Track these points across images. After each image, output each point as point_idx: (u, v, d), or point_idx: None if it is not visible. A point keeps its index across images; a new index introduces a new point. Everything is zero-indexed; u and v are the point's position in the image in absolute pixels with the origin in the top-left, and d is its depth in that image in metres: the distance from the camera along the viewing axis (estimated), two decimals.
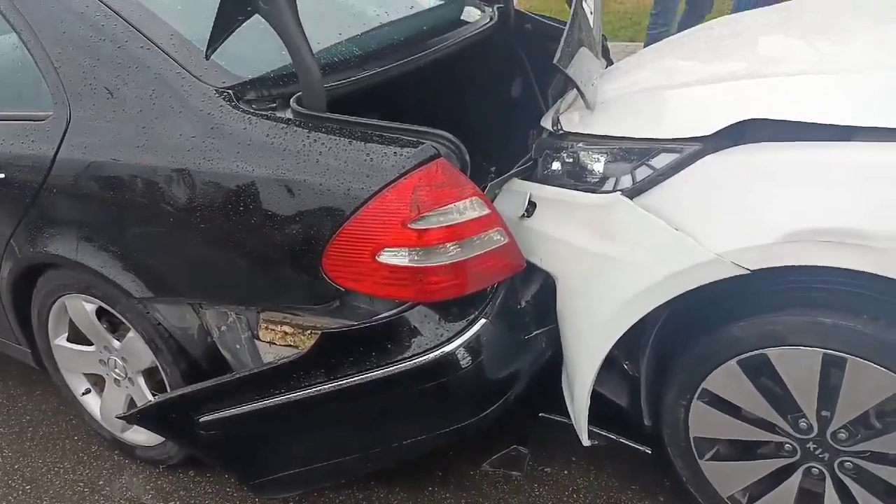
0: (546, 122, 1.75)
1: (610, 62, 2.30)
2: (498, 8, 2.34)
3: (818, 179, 1.23)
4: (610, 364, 1.61)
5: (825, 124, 1.25)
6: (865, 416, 1.31)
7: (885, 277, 1.16)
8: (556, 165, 1.64)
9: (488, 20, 2.24)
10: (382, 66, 1.76)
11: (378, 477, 1.85)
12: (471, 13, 2.30)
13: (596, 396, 1.65)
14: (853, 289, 1.25)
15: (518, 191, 1.67)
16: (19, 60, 1.76)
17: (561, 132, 1.65)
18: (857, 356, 1.25)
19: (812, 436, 1.38)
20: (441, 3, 2.30)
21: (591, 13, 1.80)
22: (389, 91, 1.83)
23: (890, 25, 1.61)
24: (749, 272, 1.26)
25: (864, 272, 1.17)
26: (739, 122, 1.32)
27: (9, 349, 2.17)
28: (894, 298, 1.21)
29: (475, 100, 2.36)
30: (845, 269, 1.19)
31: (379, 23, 2.00)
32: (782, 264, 1.23)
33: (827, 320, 1.26)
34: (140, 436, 1.97)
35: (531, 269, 1.62)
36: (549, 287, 1.62)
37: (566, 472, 1.84)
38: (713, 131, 1.34)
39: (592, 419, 1.65)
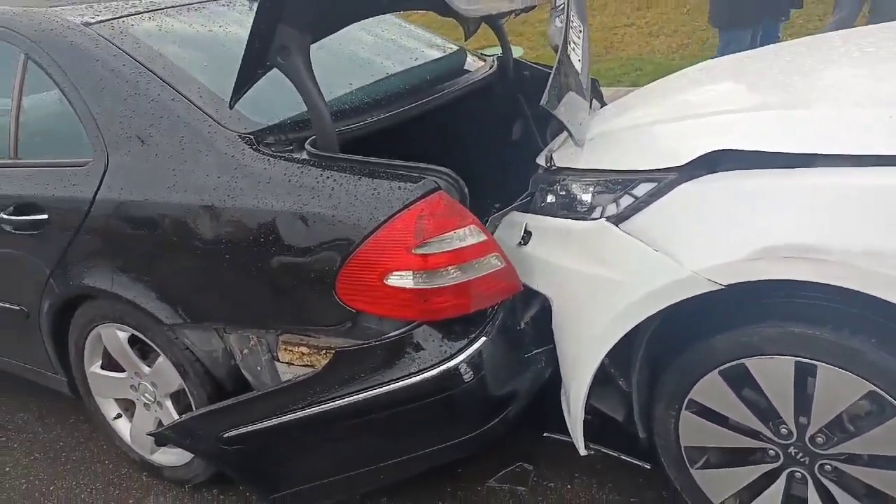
0: (541, 160, 1.91)
1: (603, 104, 2.47)
2: (497, 58, 2.53)
3: (780, 202, 1.35)
4: (606, 381, 1.73)
5: (786, 153, 1.39)
6: (839, 419, 1.41)
7: (842, 288, 1.28)
8: (550, 198, 1.79)
9: (489, 69, 2.43)
10: (389, 111, 1.94)
11: (390, 493, 1.95)
12: (472, 63, 2.49)
13: (600, 416, 1.76)
14: (819, 301, 1.37)
15: (516, 222, 1.82)
16: (62, 113, 1.95)
17: (554, 168, 1.80)
18: (825, 363, 1.36)
19: (793, 441, 1.48)
20: (443, 55, 2.49)
21: (580, 60, 1.97)
22: (397, 135, 2.00)
23: (847, 68, 1.76)
24: (722, 287, 1.38)
25: (824, 284, 1.29)
26: (710, 152, 1.46)
27: (45, 378, 2.32)
28: (855, 308, 1.33)
29: (479, 142, 2.53)
30: (808, 283, 1.31)
31: (386, 73, 2.19)
32: (751, 279, 1.35)
33: (796, 330, 1.38)
34: (167, 457, 2.09)
35: (531, 294, 1.75)
36: (547, 310, 1.74)
37: (569, 486, 1.93)
38: (686, 161, 1.48)
39: (597, 439, 1.76)
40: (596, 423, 1.80)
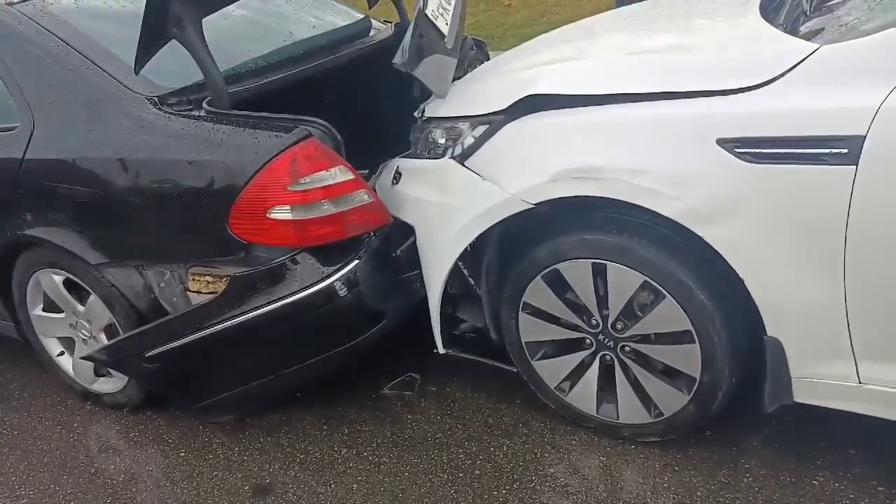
0: (417, 112, 2.22)
1: (487, 57, 2.80)
2: (395, 25, 2.82)
3: (572, 134, 1.70)
4: (470, 296, 2.08)
5: (581, 94, 1.72)
6: (630, 307, 1.77)
7: (617, 200, 1.62)
8: (420, 144, 2.11)
9: (386, 35, 2.72)
10: (281, 74, 2.23)
11: (295, 401, 2.29)
12: (370, 29, 2.77)
13: (477, 331, 2.11)
14: (604, 212, 1.72)
15: (391, 166, 2.14)
16: None
17: (425, 118, 2.12)
18: (612, 261, 1.71)
19: (600, 329, 1.84)
20: (343, 24, 2.75)
21: (447, 24, 2.27)
22: (292, 94, 2.29)
23: (649, 28, 2.11)
24: (532, 206, 1.72)
25: (604, 197, 1.64)
26: (525, 97, 1.79)
27: None
28: (628, 216, 1.68)
29: (382, 99, 2.82)
30: (593, 197, 1.65)
31: (283, 41, 2.46)
32: (553, 197, 1.70)
33: (588, 237, 1.73)
34: (105, 385, 2.40)
35: (408, 227, 2.07)
36: None
37: (447, 389, 2.28)
38: (508, 105, 1.81)
39: (476, 350, 2.13)
40: (474, 337, 2.16)
